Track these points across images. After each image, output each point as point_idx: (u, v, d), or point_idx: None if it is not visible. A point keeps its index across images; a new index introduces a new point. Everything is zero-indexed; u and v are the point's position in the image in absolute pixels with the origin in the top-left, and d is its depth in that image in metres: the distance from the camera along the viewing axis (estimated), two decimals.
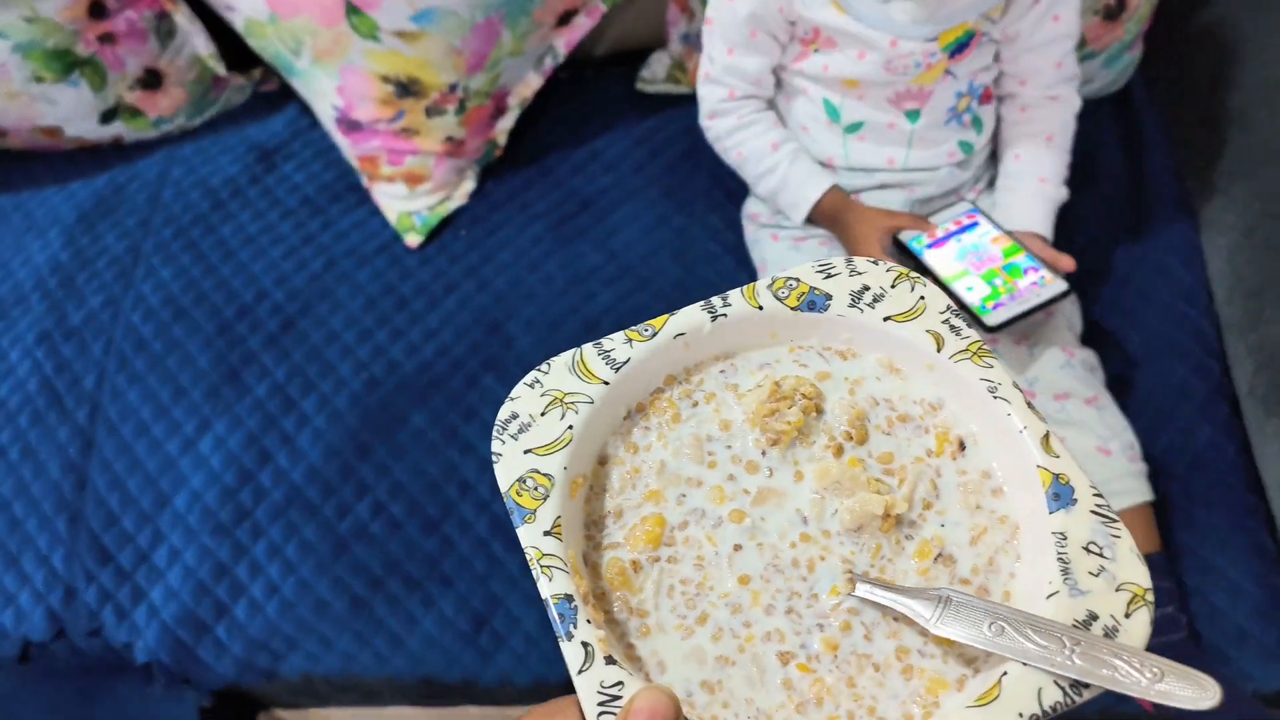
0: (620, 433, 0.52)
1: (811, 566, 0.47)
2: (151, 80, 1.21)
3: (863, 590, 0.45)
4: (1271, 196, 1.01)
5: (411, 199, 1.18)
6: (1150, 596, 0.41)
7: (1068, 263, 0.94)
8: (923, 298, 0.52)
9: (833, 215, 1.01)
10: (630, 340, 0.52)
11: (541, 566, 0.44)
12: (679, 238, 1.18)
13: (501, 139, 1.23)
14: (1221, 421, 1.00)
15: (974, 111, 1.02)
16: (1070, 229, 1.07)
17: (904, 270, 0.54)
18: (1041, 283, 0.95)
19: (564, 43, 1.20)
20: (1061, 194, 1.04)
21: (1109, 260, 1.12)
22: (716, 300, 0.53)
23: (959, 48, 0.95)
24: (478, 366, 1.09)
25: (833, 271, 0.54)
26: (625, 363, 0.51)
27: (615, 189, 1.23)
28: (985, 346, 0.50)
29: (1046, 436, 0.47)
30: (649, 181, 1.23)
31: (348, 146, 1.17)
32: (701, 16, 1.21)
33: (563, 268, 1.15)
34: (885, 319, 0.52)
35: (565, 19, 1.17)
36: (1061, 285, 0.94)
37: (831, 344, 0.54)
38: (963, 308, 0.95)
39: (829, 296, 0.53)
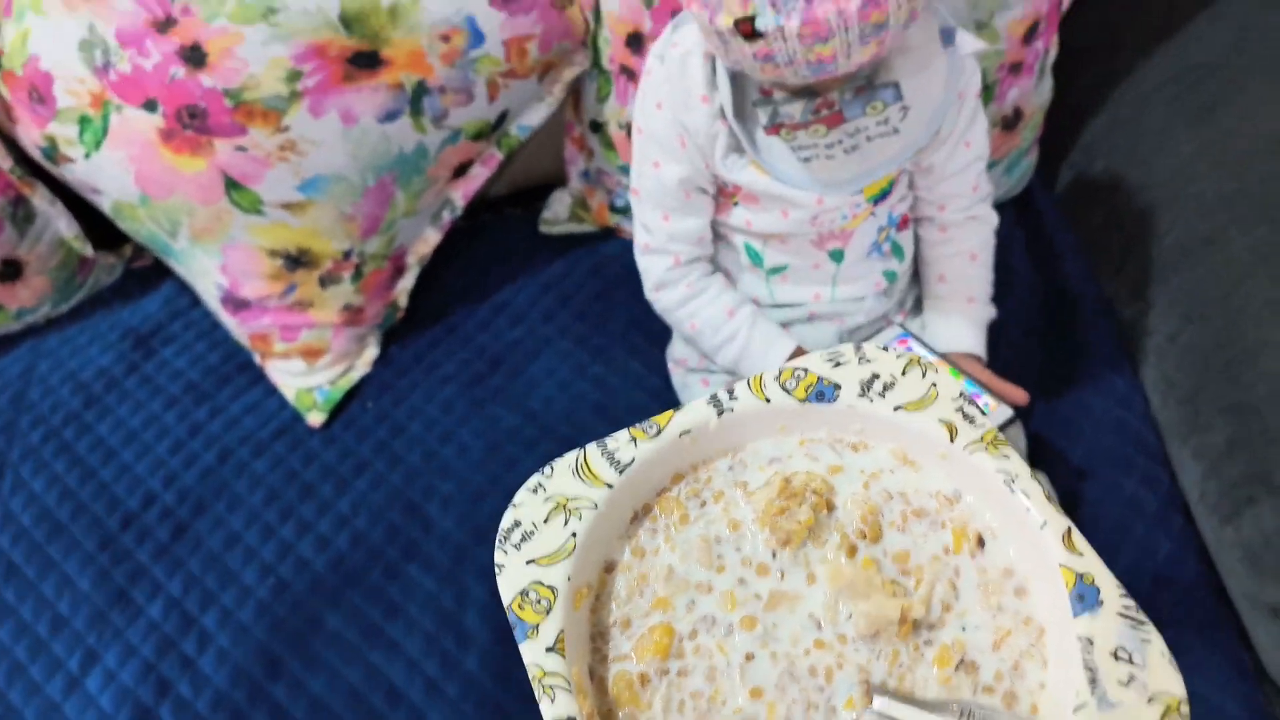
0: (626, 536, 0.50)
1: (829, 675, 0.45)
2: (10, 271, 1.11)
3: (880, 704, 0.43)
4: (1189, 301, 1.01)
5: (310, 374, 1.09)
6: (1185, 708, 0.39)
7: (1019, 395, 0.91)
8: (934, 385, 0.51)
9: None
10: (635, 439, 0.50)
11: (544, 687, 0.42)
12: (599, 389, 1.12)
13: (403, 300, 1.16)
14: (1177, 533, 0.98)
15: (893, 239, 0.99)
16: (993, 338, 1.05)
17: (914, 356, 0.52)
18: (986, 410, 0.92)
19: (461, 195, 1.14)
20: (990, 312, 1.02)
21: (1037, 370, 1.10)
22: (723, 394, 0.52)
23: (883, 195, 0.93)
24: (397, 555, 1.00)
25: (841, 360, 0.53)
26: (630, 464, 0.49)
27: (527, 341, 1.16)
28: (1000, 436, 0.49)
29: (1069, 533, 0.45)
30: (561, 330, 1.17)
31: (235, 326, 1.08)
32: (599, 154, 1.18)
33: (479, 435, 1.07)
34: (896, 409, 0.51)
35: (461, 171, 1.11)
36: (1007, 412, 0.91)
37: (843, 435, 0.53)
38: None
39: (838, 387, 0.52)
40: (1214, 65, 1.06)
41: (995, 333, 1.04)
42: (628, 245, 1.09)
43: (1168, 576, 0.96)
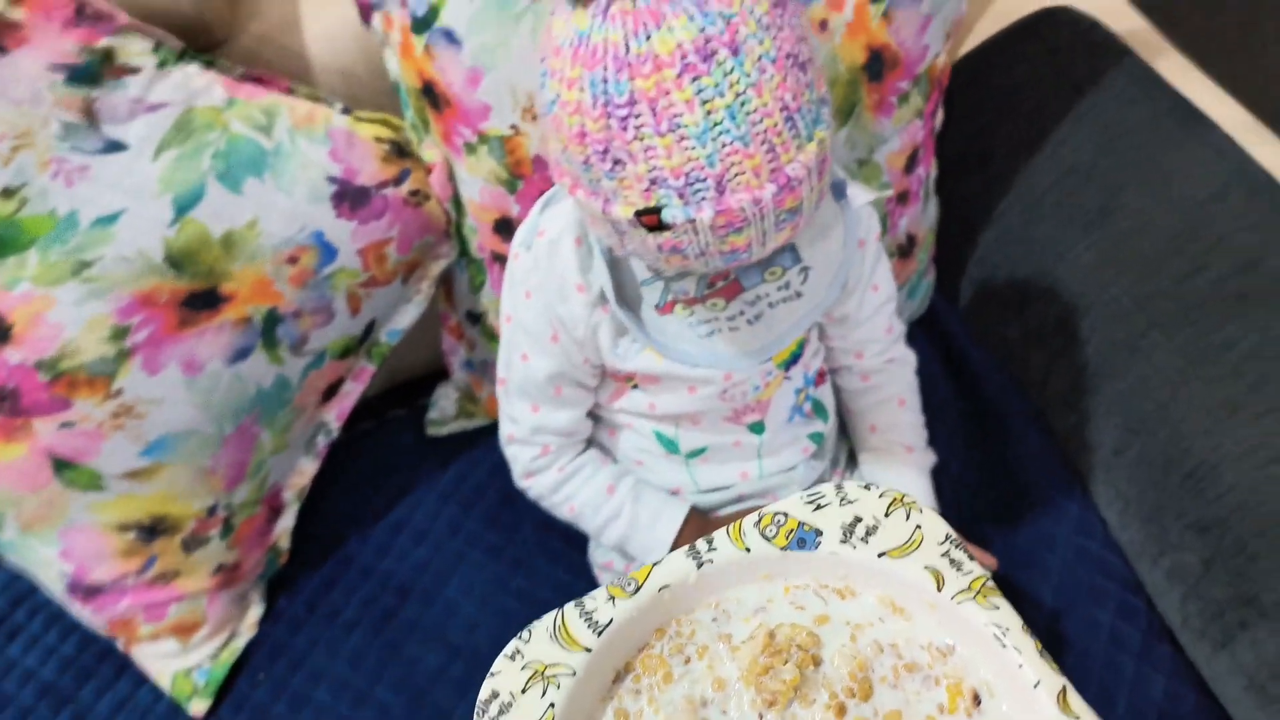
0: (609, 697, 0.48)
1: None
2: None
3: None
4: (1125, 410, 0.96)
5: (186, 654, 0.94)
6: None
7: (989, 562, 0.84)
8: (919, 527, 0.49)
9: None
10: (613, 598, 0.49)
11: None
12: (524, 605, 1.00)
13: (284, 542, 1.02)
14: (1167, 665, 0.91)
15: (814, 398, 0.92)
16: (934, 480, 0.97)
17: (898, 495, 0.50)
18: None
19: (335, 415, 1.02)
20: (930, 458, 0.95)
21: (982, 501, 1.04)
22: (701, 544, 0.50)
23: (794, 358, 0.85)
24: None
25: (822, 502, 0.51)
26: (609, 625, 0.48)
27: (435, 561, 1.04)
28: (989, 584, 0.47)
29: (1064, 692, 0.43)
30: (470, 543, 1.05)
31: (90, 615, 0.92)
32: (481, 344, 1.08)
33: (399, 688, 0.94)
34: (880, 555, 0.49)
35: (331, 392, 1.00)
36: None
37: (828, 581, 0.51)
38: None
39: (819, 532, 0.50)
40: (1088, 168, 1.04)
41: (934, 473, 0.97)
42: None
43: (1169, 713, 0.89)
